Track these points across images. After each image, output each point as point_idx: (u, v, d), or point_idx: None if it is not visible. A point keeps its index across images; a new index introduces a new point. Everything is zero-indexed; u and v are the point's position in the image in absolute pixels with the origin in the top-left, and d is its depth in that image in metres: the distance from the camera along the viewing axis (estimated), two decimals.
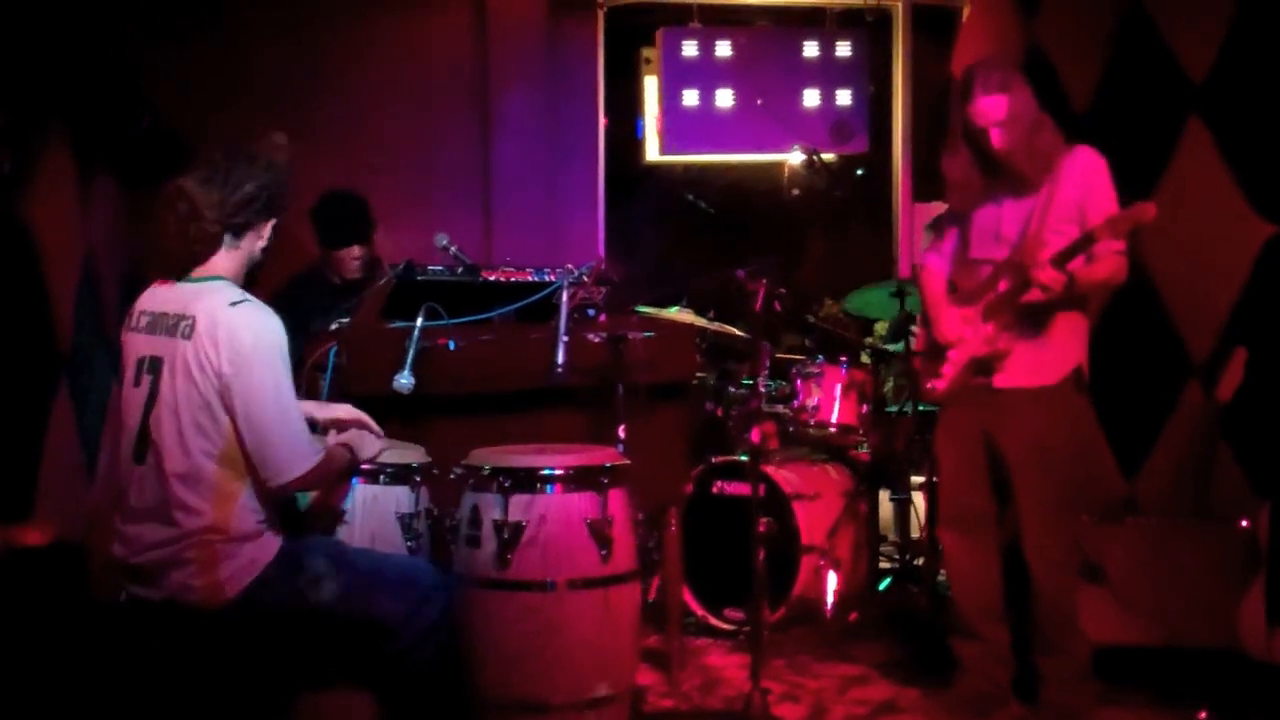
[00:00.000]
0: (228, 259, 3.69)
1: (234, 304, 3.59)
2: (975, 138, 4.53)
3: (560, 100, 7.83)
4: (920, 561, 6.11)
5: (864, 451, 6.31)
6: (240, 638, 3.58)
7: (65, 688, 4.27)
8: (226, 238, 3.66)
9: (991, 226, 4.59)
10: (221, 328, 3.53)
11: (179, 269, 3.67)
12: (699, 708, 4.94)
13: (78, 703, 4.20)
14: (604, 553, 4.03)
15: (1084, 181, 4.45)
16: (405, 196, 7.04)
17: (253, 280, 3.84)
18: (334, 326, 4.69)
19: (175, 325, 3.58)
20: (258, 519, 3.61)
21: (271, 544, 3.62)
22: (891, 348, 6.46)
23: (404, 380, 4.19)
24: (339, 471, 3.86)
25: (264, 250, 3.79)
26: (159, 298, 3.70)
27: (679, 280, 7.16)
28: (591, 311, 4.87)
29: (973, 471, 4.66)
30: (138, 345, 3.67)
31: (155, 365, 3.59)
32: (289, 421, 3.59)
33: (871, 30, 8.18)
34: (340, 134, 7.32)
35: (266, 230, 3.76)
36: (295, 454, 3.59)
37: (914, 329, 5.70)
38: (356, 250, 5.78)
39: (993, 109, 4.46)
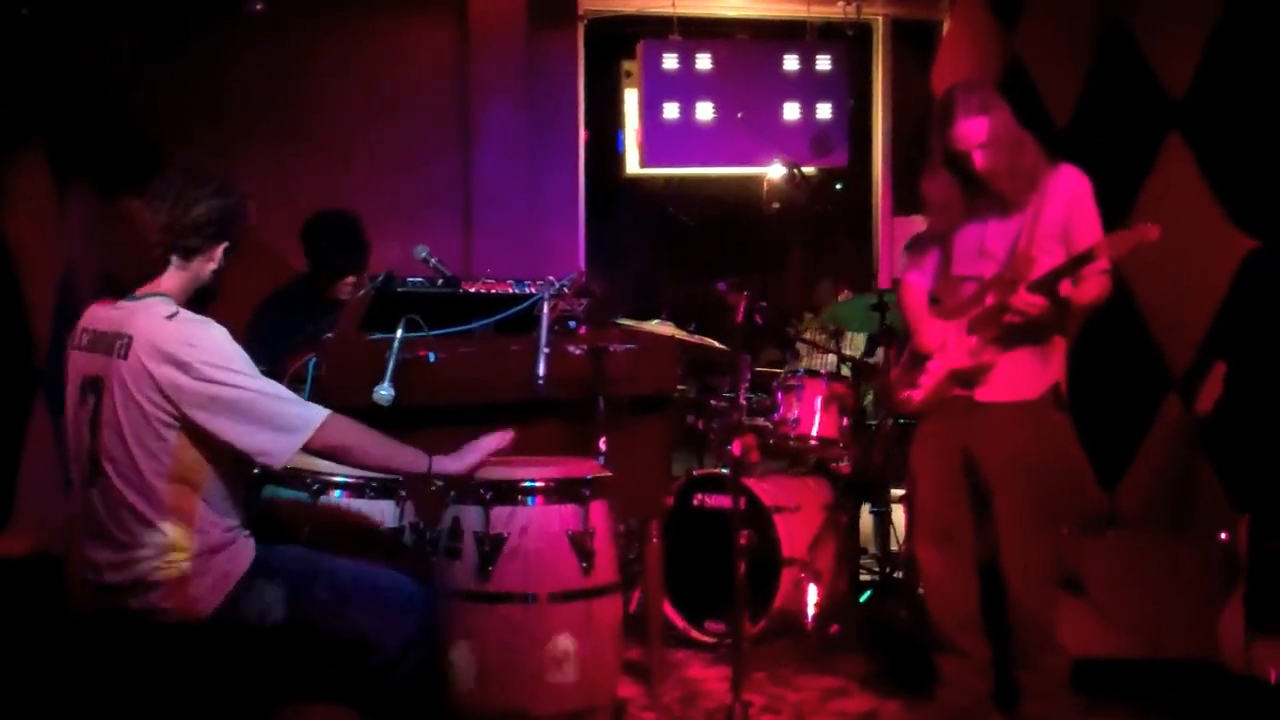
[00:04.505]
0: (173, 278, 3.60)
1: (169, 317, 3.49)
2: (957, 160, 4.54)
3: (541, 113, 7.84)
4: (900, 574, 6.12)
5: (844, 464, 6.31)
6: (218, 652, 3.54)
7: (40, 700, 4.25)
8: (174, 259, 3.59)
9: (975, 243, 4.60)
10: (160, 343, 3.43)
11: (123, 288, 3.59)
12: None
13: (53, 716, 4.17)
14: (585, 565, 4.03)
15: (1069, 202, 4.46)
16: (386, 208, 7.04)
17: (207, 303, 3.72)
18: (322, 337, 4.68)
19: (112, 344, 3.49)
20: (223, 529, 3.54)
21: (244, 554, 3.57)
22: (871, 360, 6.47)
23: (384, 392, 4.16)
24: (392, 461, 3.74)
25: (215, 274, 3.68)
26: (100, 316, 3.61)
27: (660, 293, 7.18)
28: (572, 324, 4.85)
29: (950, 485, 4.66)
30: (80, 364, 3.58)
31: (96, 385, 3.51)
32: (266, 402, 3.48)
33: (852, 44, 8.22)
34: (321, 147, 7.34)
35: (218, 254, 3.66)
36: (292, 422, 3.50)
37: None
38: (352, 279, 5.74)
39: (974, 132, 4.47)
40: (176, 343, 3.44)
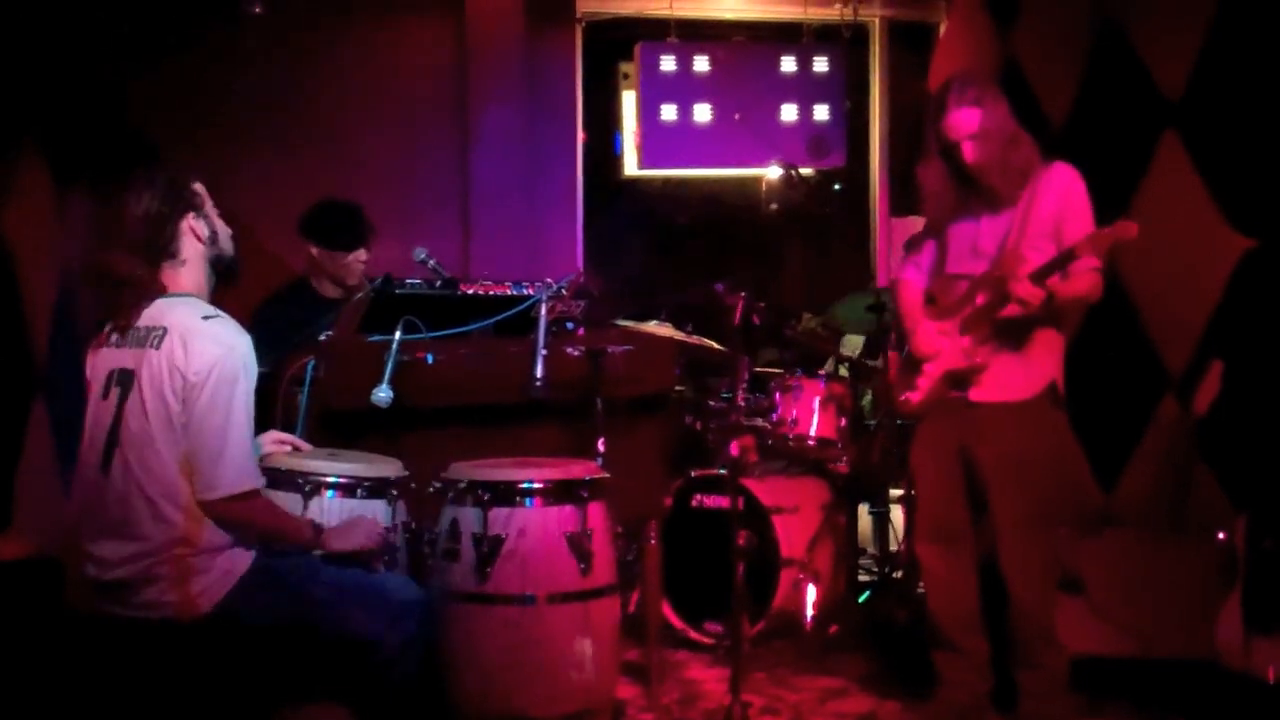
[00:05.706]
0: (184, 275, 3.69)
1: (206, 318, 3.59)
2: (949, 151, 4.55)
3: (539, 114, 7.83)
4: (899, 574, 6.12)
5: (842, 465, 6.30)
6: (216, 652, 3.56)
7: (40, 702, 4.25)
8: (164, 263, 3.67)
9: (969, 241, 4.60)
10: (193, 337, 3.52)
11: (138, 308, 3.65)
12: None
13: (53, 718, 4.17)
14: (583, 566, 4.03)
15: (1061, 198, 4.46)
16: (384, 210, 6.99)
17: (232, 279, 3.82)
18: (320, 338, 4.68)
19: (146, 337, 3.58)
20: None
21: (244, 556, 3.60)
22: (871, 362, 6.47)
23: (382, 394, 4.17)
24: (288, 535, 3.72)
25: (214, 238, 3.74)
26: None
27: (658, 294, 7.18)
28: (570, 325, 4.86)
29: (949, 485, 4.66)
30: (108, 359, 3.65)
31: (125, 377, 3.58)
32: (232, 438, 3.53)
33: (849, 45, 8.21)
34: (320, 148, 7.32)
35: (191, 224, 3.70)
36: (231, 470, 3.52)
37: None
38: (363, 254, 5.72)
39: (965, 122, 4.47)
40: (207, 341, 3.53)
